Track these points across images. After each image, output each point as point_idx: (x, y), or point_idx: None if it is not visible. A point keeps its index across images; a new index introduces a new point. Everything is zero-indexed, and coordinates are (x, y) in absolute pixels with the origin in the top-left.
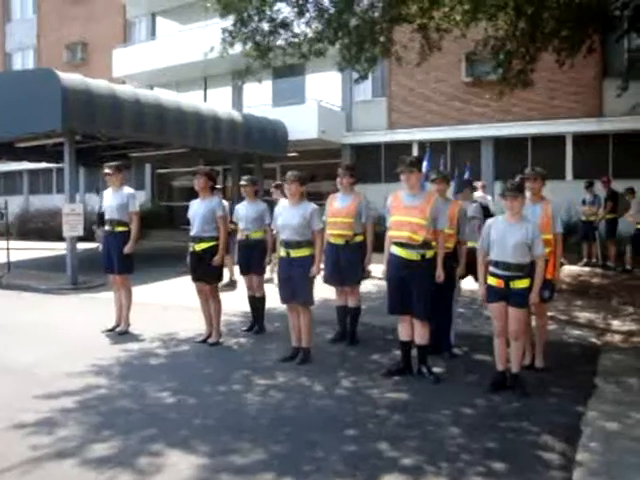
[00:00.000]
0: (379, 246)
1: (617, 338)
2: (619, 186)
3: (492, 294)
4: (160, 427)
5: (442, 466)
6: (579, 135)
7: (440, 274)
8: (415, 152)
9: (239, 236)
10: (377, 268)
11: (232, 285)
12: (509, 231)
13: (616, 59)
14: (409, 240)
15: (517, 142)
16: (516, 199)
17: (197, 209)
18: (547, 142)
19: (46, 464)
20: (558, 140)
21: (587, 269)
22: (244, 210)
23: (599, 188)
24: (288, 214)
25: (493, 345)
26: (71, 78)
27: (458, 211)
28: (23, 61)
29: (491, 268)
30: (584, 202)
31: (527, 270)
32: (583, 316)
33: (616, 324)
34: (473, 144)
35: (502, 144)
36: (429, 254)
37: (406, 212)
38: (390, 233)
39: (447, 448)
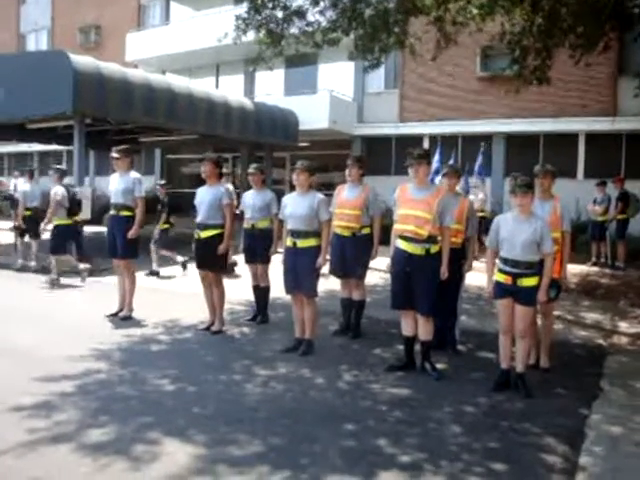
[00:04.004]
0: (387, 239)
1: (624, 340)
2: (630, 187)
3: (499, 290)
4: (158, 415)
5: (441, 465)
6: (592, 134)
7: (445, 271)
8: (426, 146)
9: (245, 225)
10: (383, 261)
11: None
12: (518, 228)
13: (632, 58)
14: (414, 234)
15: (529, 139)
16: (526, 196)
17: (204, 196)
18: (559, 140)
19: (42, 448)
20: (570, 138)
21: (595, 269)
22: (251, 199)
23: (611, 188)
24: (296, 204)
25: (498, 342)
26: (83, 60)
27: (467, 207)
28: (37, 43)
29: (499, 265)
30: (595, 201)
31: (536, 268)
32: (590, 317)
33: (623, 326)
34: (485, 139)
35: (514, 140)
36: (434, 249)
37: (412, 205)
38: (396, 226)
39: (447, 447)
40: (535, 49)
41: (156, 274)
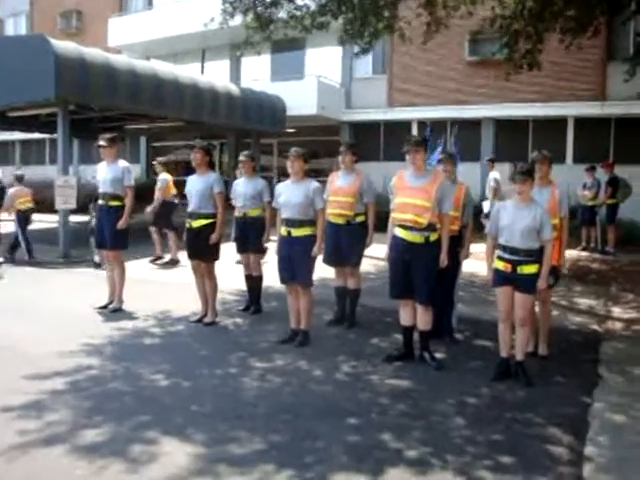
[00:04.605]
0: (381, 226)
1: (618, 326)
2: (619, 171)
3: (499, 278)
4: (154, 412)
5: (448, 459)
6: (581, 118)
7: (444, 259)
8: (415, 131)
9: (236, 213)
10: (378, 248)
11: (173, 263)
12: (518, 215)
13: (622, 42)
14: (413, 223)
15: (518, 124)
16: (526, 183)
17: (194, 185)
18: (548, 124)
19: (33, 451)
20: (559, 123)
21: (586, 253)
22: (242, 187)
23: (600, 172)
24: (290, 192)
25: (497, 330)
26: (64, 46)
27: (464, 194)
28: (15, 28)
29: (499, 252)
30: (585, 186)
31: (536, 255)
32: (583, 302)
33: (617, 311)
34: (473, 125)
35: (503, 125)
36: (433, 237)
37: (411, 193)
38: (394, 215)
39: (452, 440)
40: (526, 33)
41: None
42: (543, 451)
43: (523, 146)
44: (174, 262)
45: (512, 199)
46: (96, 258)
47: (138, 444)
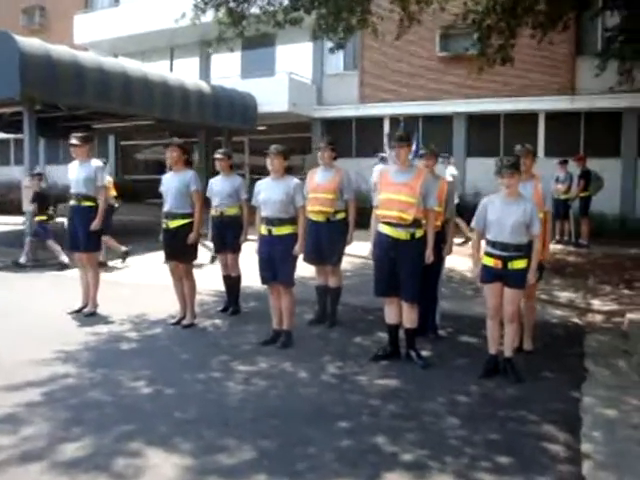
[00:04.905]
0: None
1: (598, 318)
2: (589, 165)
3: (488, 274)
4: (136, 422)
5: (446, 461)
6: (551, 112)
7: (430, 255)
8: (386, 127)
9: (213, 212)
10: (358, 246)
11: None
12: (507, 210)
13: (590, 37)
14: (399, 220)
15: (489, 118)
16: (513, 176)
17: (170, 183)
18: (519, 119)
19: (9, 469)
20: (530, 117)
21: (560, 246)
22: (219, 185)
23: (572, 166)
24: (270, 190)
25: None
26: (30, 42)
27: (446, 189)
28: None
29: (487, 248)
30: (557, 180)
31: (525, 250)
32: (563, 295)
33: (596, 304)
34: (445, 120)
35: (474, 120)
36: (419, 233)
37: (395, 190)
38: (378, 212)
39: (448, 441)
40: (498, 28)
41: (20, 265)
42: (540, 449)
43: (495, 141)
44: (101, 264)
45: (499, 194)
46: (64, 259)
47: (122, 457)
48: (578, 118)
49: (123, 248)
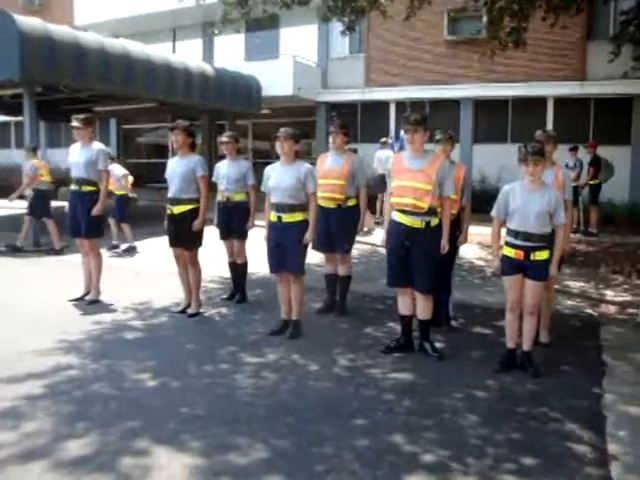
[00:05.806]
0: None
1: (612, 309)
2: (598, 151)
3: (509, 266)
4: (143, 418)
5: (469, 463)
6: (560, 98)
7: (445, 245)
8: (393, 112)
9: (219, 197)
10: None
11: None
12: (531, 199)
13: (601, 22)
14: (413, 207)
15: (497, 104)
16: (538, 164)
17: (175, 168)
18: (528, 105)
19: (10, 468)
20: (539, 103)
21: (570, 235)
22: (225, 169)
23: (582, 152)
24: (280, 175)
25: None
26: (29, 22)
27: (463, 175)
28: None
29: (509, 238)
30: (567, 166)
31: (548, 240)
32: (575, 285)
33: (609, 294)
34: (452, 105)
35: (482, 105)
36: (434, 222)
37: (410, 176)
38: (392, 199)
39: (469, 440)
40: (511, 11)
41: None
42: (565, 449)
43: (502, 126)
44: (56, 251)
45: (521, 181)
46: (56, 246)
47: (129, 456)
48: (588, 104)
49: (134, 243)
